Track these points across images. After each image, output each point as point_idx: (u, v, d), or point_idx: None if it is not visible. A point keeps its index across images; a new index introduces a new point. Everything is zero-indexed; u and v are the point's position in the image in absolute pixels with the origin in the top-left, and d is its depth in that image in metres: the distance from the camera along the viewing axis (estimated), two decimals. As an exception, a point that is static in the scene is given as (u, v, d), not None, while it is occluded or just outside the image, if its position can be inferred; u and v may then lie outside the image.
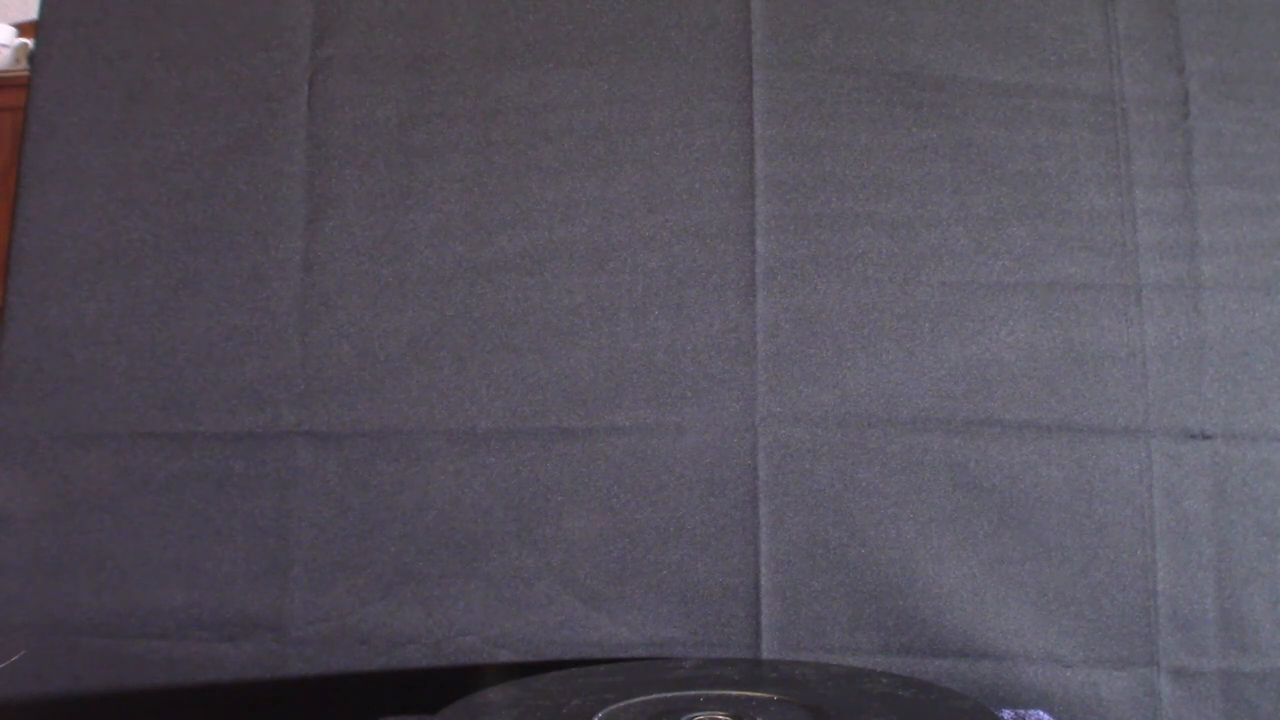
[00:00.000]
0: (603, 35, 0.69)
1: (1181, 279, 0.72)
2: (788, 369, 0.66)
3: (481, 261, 0.68)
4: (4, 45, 0.92)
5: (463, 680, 0.64)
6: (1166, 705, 0.62)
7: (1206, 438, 0.70)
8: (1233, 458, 0.70)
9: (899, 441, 0.64)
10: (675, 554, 0.65)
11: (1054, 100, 0.73)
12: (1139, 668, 0.63)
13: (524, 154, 0.69)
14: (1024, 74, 0.74)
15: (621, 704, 0.51)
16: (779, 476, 0.65)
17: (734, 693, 0.52)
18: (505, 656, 0.65)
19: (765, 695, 0.53)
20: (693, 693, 0.53)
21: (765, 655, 0.64)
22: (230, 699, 0.55)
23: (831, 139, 0.68)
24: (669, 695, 0.52)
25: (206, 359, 0.69)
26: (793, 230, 0.67)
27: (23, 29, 0.98)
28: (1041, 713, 0.57)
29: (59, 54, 0.72)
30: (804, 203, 0.67)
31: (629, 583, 0.65)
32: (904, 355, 0.66)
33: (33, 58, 0.74)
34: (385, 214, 0.68)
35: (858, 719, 0.48)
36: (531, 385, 0.67)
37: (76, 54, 0.72)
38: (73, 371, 0.69)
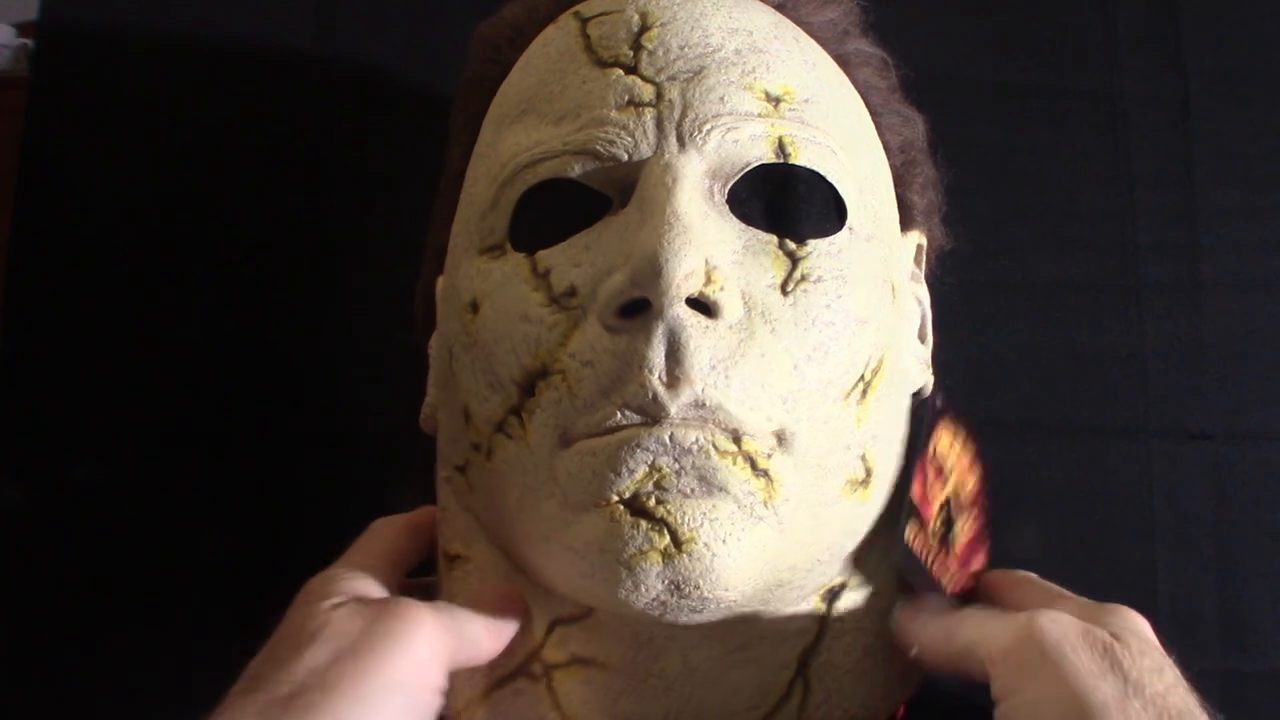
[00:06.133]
0: None
1: (1181, 279, 0.71)
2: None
3: None
4: (4, 45, 0.92)
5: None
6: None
7: (1206, 438, 0.70)
8: (1233, 458, 0.70)
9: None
10: None
11: (1054, 100, 0.73)
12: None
13: None
14: (1024, 74, 0.74)
15: None
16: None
17: None
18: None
19: None
20: None
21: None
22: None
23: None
24: None
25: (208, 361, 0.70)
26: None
27: (23, 29, 0.97)
28: None
29: (59, 54, 0.72)
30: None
31: None
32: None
33: (33, 58, 0.74)
34: None
35: None
36: None
37: (76, 54, 0.72)
38: (72, 372, 0.69)
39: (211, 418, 0.69)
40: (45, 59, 0.72)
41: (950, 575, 0.50)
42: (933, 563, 0.49)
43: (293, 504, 0.68)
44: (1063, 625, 0.42)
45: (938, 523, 0.50)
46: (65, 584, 0.66)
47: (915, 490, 0.49)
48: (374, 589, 0.46)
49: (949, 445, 0.52)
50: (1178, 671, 0.42)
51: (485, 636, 0.46)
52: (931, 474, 0.51)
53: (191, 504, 0.67)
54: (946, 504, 0.52)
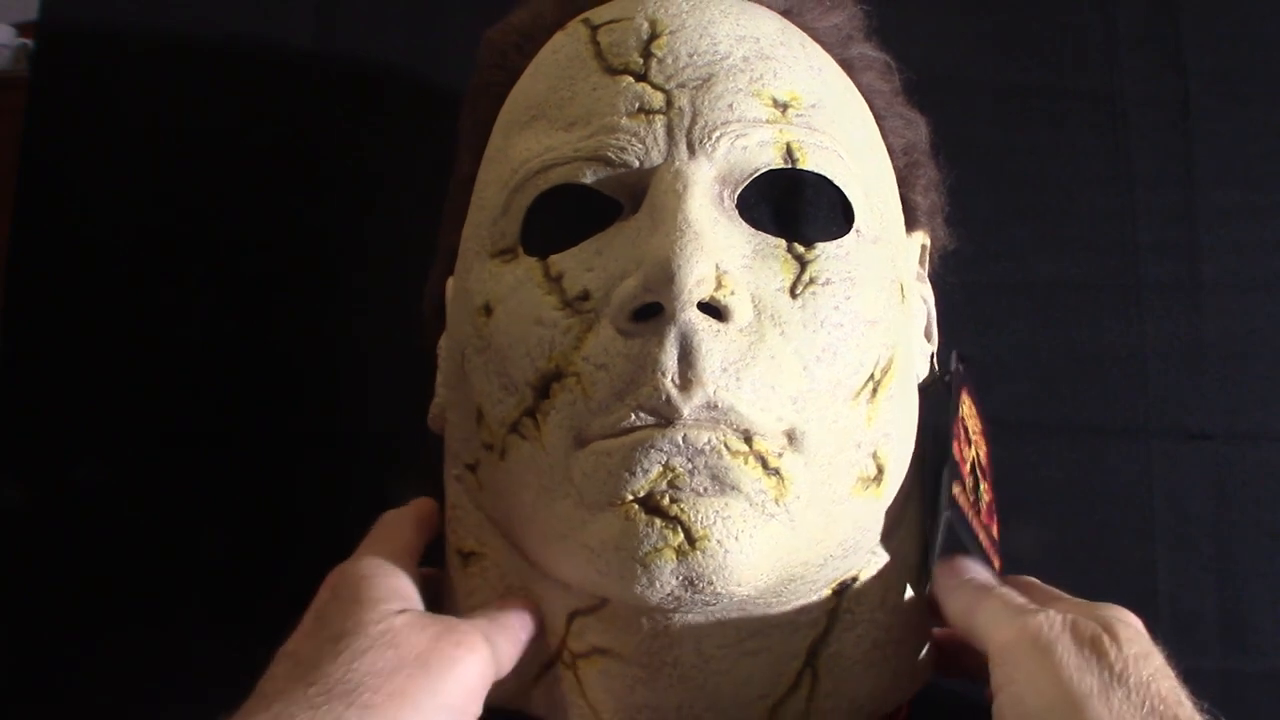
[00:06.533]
0: None
1: (1181, 279, 0.71)
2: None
3: None
4: (4, 45, 0.92)
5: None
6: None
7: (1206, 438, 0.70)
8: (1233, 458, 0.70)
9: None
10: None
11: (1054, 100, 0.73)
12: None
13: None
14: (1024, 74, 0.74)
15: None
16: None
17: None
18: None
19: None
20: None
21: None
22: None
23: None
24: None
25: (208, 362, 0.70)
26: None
27: (23, 29, 0.98)
28: None
29: (59, 54, 0.72)
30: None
31: None
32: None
33: (33, 58, 0.74)
34: None
35: None
36: None
37: (76, 54, 0.72)
38: (72, 372, 0.69)
39: (211, 418, 0.69)
40: (45, 59, 0.72)
41: (985, 535, 0.51)
42: (973, 521, 0.50)
43: (293, 504, 0.68)
44: (1052, 621, 0.43)
45: (970, 482, 0.51)
46: (65, 584, 0.66)
47: (955, 449, 0.50)
48: (410, 588, 0.47)
49: (970, 410, 0.53)
50: (1164, 660, 0.43)
51: (509, 655, 0.46)
52: (961, 436, 0.51)
53: (191, 504, 0.67)
54: (974, 466, 0.52)
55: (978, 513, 0.51)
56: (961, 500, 0.49)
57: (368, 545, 0.49)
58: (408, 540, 0.50)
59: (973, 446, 0.53)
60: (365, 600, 0.44)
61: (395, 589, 0.46)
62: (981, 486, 0.53)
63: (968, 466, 0.51)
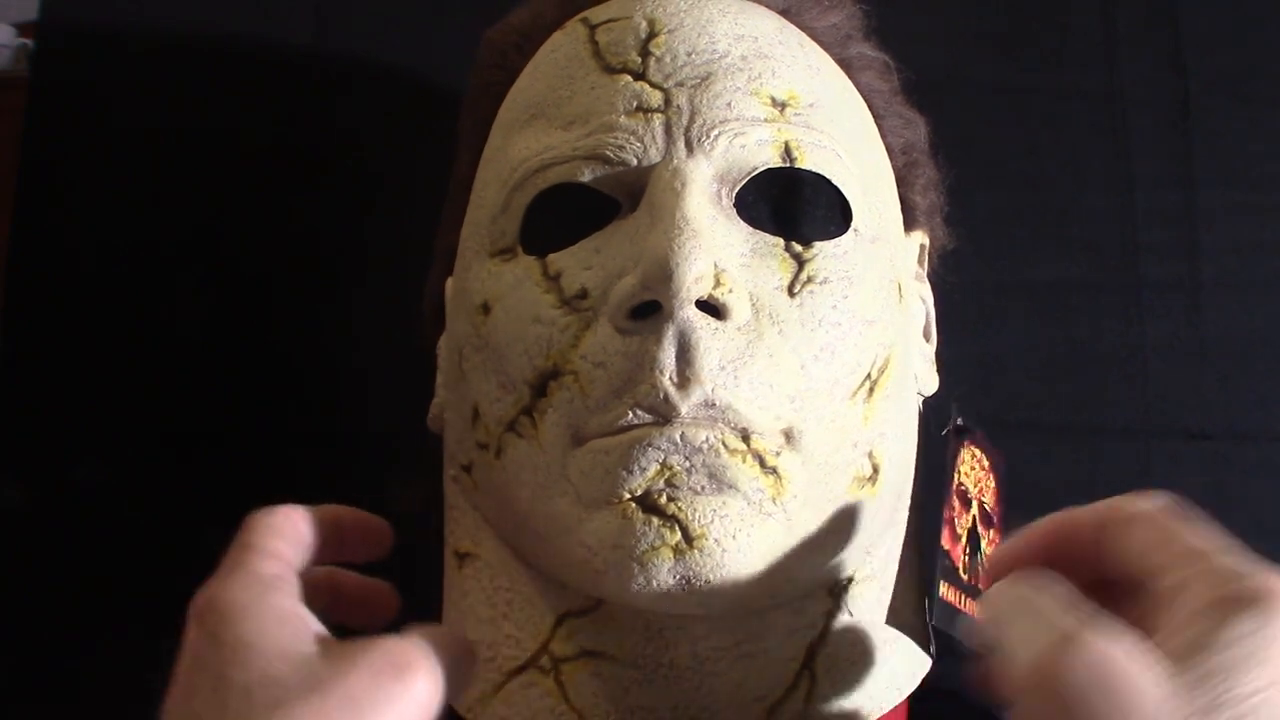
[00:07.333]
0: None
1: (1181, 279, 0.71)
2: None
3: None
4: (4, 45, 0.92)
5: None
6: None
7: (1206, 438, 0.70)
8: (1233, 458, 0.70)
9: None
10: None
11: (1054, 100, 0.73)
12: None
13: None
14: (1024, 74, 0.74)
15: None
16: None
17: None
18: None
19: None
20: None
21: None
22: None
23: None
24: None
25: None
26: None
27: (23, 29, 0.98)
28: None
29: (59, 54, 0.72)
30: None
31: None
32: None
33: (33, 58, 0.74)
34: None
35: None
36: None
37: (76, 54, 0.72)
38: (72, 372, 0.69)
39: (211, 418, 0.69)
40: (45, 59, 0.72)
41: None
42: (966, 609, 0.49)
43: (293, 504, 0.67)
44: (1102, 667, 0.31)
45: (964, 555, 0.51)
46: (65, 584, 0.66)
47: (945, 537, 0.49)
48: (296, 605, 0.40)
49: (970, 466, 0.53)
50: None
51: (468, 671, 0.40)
52: (958, 505, 0.51)
53: (191, 504, 0.67)
54: (973, 528, 0.52)
55: (976, 579, 0.50)
56: (950, 596, 0.49)
57: (234, 558, 0.42)
58: (295, 536, 0.44)
59: (972, 506, 0.52)
60: (250, 635, 0.38)
61: (283, 613, 0.39)
62: (983, 545, 0.52)
63: (964, 541, 0.51)
